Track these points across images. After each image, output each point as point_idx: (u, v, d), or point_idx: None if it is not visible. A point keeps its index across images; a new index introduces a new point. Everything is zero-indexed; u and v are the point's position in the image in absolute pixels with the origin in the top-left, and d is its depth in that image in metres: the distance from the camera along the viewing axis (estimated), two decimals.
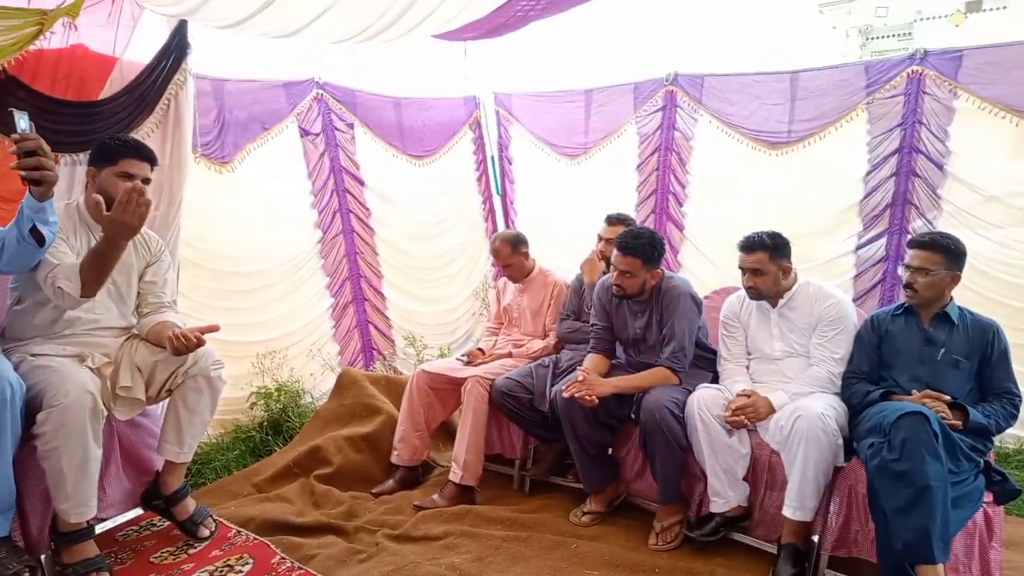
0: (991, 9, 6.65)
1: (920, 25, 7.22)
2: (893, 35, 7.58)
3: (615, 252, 2.96)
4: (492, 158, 5.64)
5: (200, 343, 2.46)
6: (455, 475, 3.23)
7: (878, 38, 7.80)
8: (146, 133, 3.10)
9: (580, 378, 2.87)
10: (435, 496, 3.21)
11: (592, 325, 3.25)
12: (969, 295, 3.22)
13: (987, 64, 3.64)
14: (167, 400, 2.68)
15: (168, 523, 2.86)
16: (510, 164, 5.65)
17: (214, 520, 2.87)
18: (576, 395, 2.79)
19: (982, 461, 2.34)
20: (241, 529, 2.86)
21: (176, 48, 3.14)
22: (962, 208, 3.80)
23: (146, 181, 2.52)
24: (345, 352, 4.75)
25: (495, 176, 5.69)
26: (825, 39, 8.12)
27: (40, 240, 2.14)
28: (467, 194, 5.58)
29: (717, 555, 2.66)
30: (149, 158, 2.59)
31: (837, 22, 8.07)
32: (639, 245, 2.90)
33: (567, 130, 5.23)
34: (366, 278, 4.86)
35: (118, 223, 2.18)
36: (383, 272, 4.96)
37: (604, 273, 3.38)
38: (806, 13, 8.17)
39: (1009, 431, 2.56)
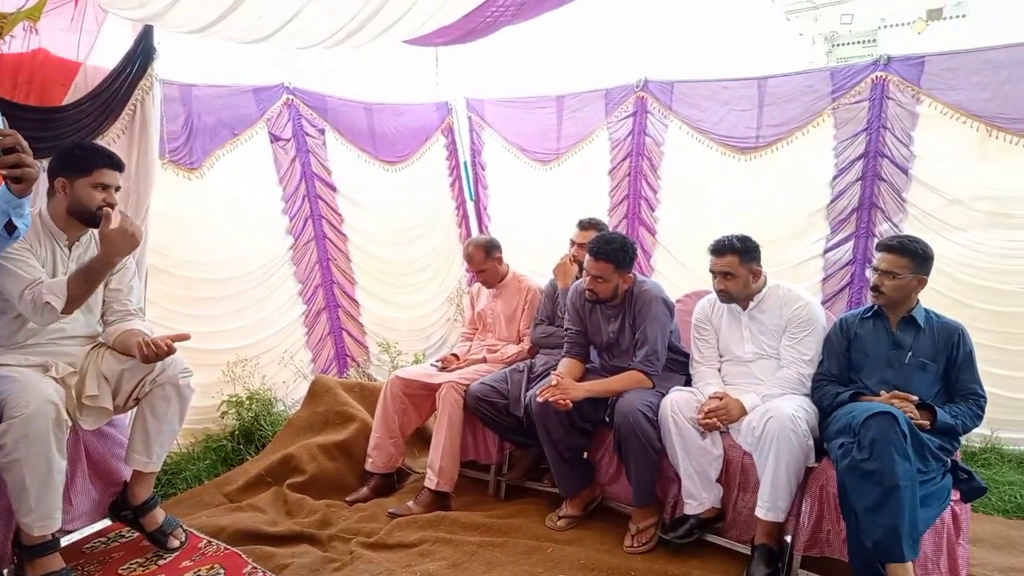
0: (951, 17, 6.84)
1: (884, 32, 7.39)
2: (858, 42, 7.74)
3: (588, 257, 2.97)
4: (465, 164, 5.63)
5: (171, 351, 2.42)
6: (430, 481, 3.21)
7: (843, 44, 7.96)
8: (111, 139, 3.05)
9: (554, 382, 2.87)
10: (410, 503, 3.19)
11: (566, 330, 3.26)
12: (935, 297, 3.28)
13: (948, 70, 3.72)
14: (135, 409, 2.63)
15: (137, 534, 2.80)
16: (483, 170, 5.65)
17: (184, 530, 2.82)
18: (551, 400, 2.79)
19: (949, 460, 2.39)
20: (212, 539, 2.81)
21: (142, 53, 3.10)
22: (927, 211, 3.88)
23: (116, 189, 2.51)
24: (318, 359, 4.70)
25: (468, 182, 5.69)
26: (792, 46, 8.25)
27: (11, 231, 2.10)
28: (440, 200, 5.56)
29: (692, 557, 2.68)
30: (120, 166, 2.56)
31: (804, 29, 8.22)
32: (611, 250, 2.91)
33: (539, 136, 5.24)
34: (339, 284, 4.82)
35: (127, 235, 2.18)
36: (356, 278, 4.92)
37: (577, 278, 3.39)
38: (773, 20, 8.30)
39: (975, 430, 2.62)
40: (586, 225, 3.60)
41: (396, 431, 3.45)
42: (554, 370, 3.11)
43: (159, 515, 2.75)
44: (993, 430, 3.57)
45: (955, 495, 2.35)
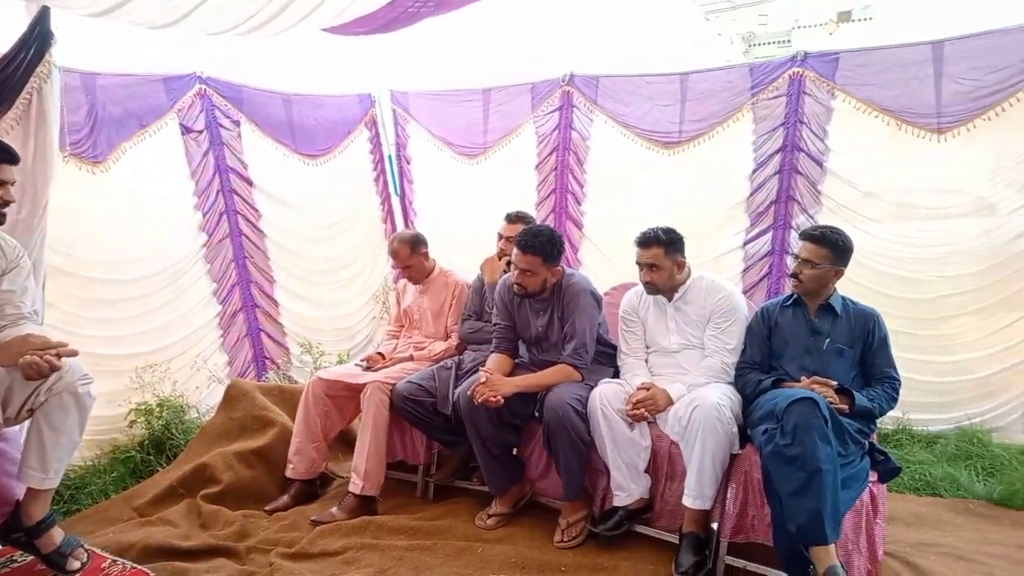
0: (859, 20, 7.17)
1: (798, 33, 7.67)
2: (774, 42, 8.01)
3: (515, 250, 2.92)
4: (390, 157, 5.51)
5: (54, 368, 2.22)
6: (355, 486, 3.10)
7: (760, 44, 8.23)
8: (4, 130, 2.81)
9: (483, 379, 2.82)
10: (333, 509, 3.07)
11: (494, 324, 3.20)
12: (851, 286, 3.37)
13: (860, 66, 3.86)
14: (29, 421, 2.41)
15: (31, 557, 2.57)
16: (408, 164, 5.53)
17: (86, 550, 2.61)
18: (480, 399, 2.73)
19: (867, 443, 2.46)
20: (118, 558, 2.62)
21: (38, 38, 2.84)
22: (842, 204, 4.02)
23: (11, 184, 2.35)
24: (235, 362, 4.50)
25: (393, 176, 5.57)
26: (712, 45, 8.45)
27: None
28: (364, 194, 5.42)
29: (621, 549, 2.68)
30: (14, 159, 2.38)
31: (722, 29, 8.44)
32: (539, 243, 2.88)
33: (466, 129, 5.17)
34: (257, 283, 4.62)
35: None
36: (275, 277, 4.73)
37: (505, 272, 3.34)
38: (694, 20, 8.48)
39: (889, 413, 2.71)
40: (514, 218, 3.56)
41: (318, 435, 3.31)
42: (483, 366, 3.05)
43: (56, 535, 2.53)
44: (904, 412, 3.72)
45: (872, 476, 2.42)
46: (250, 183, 4.54)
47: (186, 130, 4.17)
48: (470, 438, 2.95)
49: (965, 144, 3.66)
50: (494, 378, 2.84)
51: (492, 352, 3.15)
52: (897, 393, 2.57)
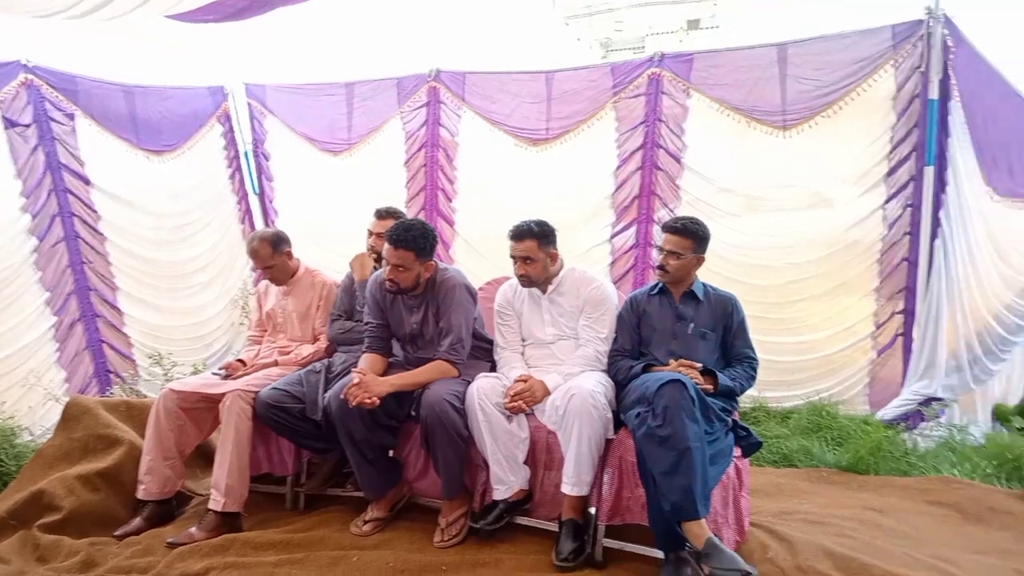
0: (707, 28, 7.66)
1: (651, 39, 8.07)
2: (629, 48, 8.36)
3: (386, 246, 2.82)
4: (246, 154, 5.21)
5: None
6: (215, 503, 2.86)
7: (616, 50, 8.56)
8: None
9: (356, 380, 2.69)
10: (192, 529, 2.82)
11: (366, 323, 3.07)
12: (710, 275, 3.55)
13: (712, 67, 4.09)
14: None
15: None
16: (267, 160, 5.26)
17: None
18: (354, 401, 2.61)
19: (730, 420, 2.58)
20: None
21: None
22: (700, 198, 4.23)
23: None
24: (73, 378, 4.09)
25: (251, 173, 5.27)
26: (572, 49, 8.68)
27: None
28: (219, 193, 5.10)
29: (503, 542, 2.65)
30: None
31: (581, 34, 8.69)
32: (411, 237, 2.79)
33: (329, 125, 5.01)
34: (97, 291, 4.22)
35: None
36: (118, 283, 4.35)
37: (376, 268, 3.23)
38: (554, 25, 8.68)
39: (748, 392, 2.87)
40: (384, 214, 3.46)
41: (172, 451, 3.04)
42: (355, 367, 2.92)
43: None
44: (760, 391, 3.96)
45: (736, 451, 2.55)
46: (87, 182, 4.16)
47: (9, 123, 3.75)
48: (343, 443, 2.80)
49: (808, 141, 3.97)
50: (368, 378, 2.72)
51: (364, 352, 3.02)
52: (755, 372, 2.73)
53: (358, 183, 4.97)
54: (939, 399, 3.72)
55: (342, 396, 2.68)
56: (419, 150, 4.87)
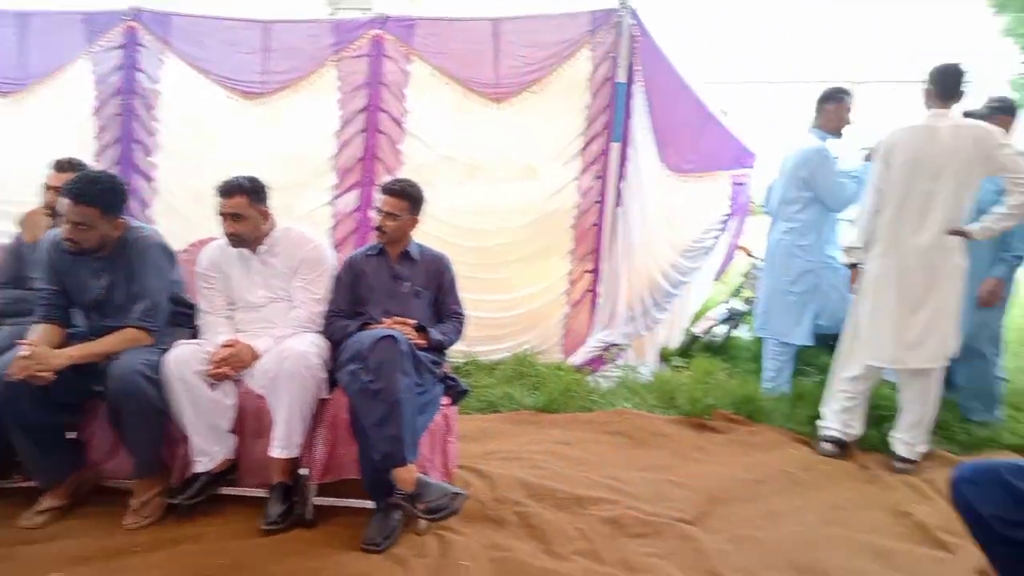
0: None
1: (379, 1, 8.01)
2: (357, 8, 8.21)
3: (66, 201, 2.47)
4: None
5: None
6: None
7: (344, 9, 8.37)
8: None
9: (26, 353, 2.34)
10: None
11: (39, 291, 2.68)
12: (427, 239, 3.69)
13: (434, 35, 4.20)
14: None
15: None
16: None
17: None
18: (22, 374, 2.27)
19: (440, 372, 2.74)
20: None
21: None
22: (422, 165, 4.32)
23: None
24: None
25: None
26: (297, 4, 8.30)
27: None
28: None
29: (206, 515, 2.53)
30: None
31: None
32: (96, 191, 2.49)
33: None
34: None
35: None
36: None
37: (51, 228, 2.82)
38: None
39: (459, 347, 3.04)
40: (64, 166, 3.10)
41: None
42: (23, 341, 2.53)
43: None
44: (471, 346, 4.19)
45: (445, 400, 2.72)
46: None
47: None
48: (8, 428, 2.43)
49: (519, 115, 4.25)
50: (40, 350, 2.38)
51: (37, 323, 2.63)
52: (463, 327, 2.94)
53: (33, 133, 4.29)
54: (617, 344, 4.27)
55: (5, 373, 2.33)
56: (112, 96, 4.32)
